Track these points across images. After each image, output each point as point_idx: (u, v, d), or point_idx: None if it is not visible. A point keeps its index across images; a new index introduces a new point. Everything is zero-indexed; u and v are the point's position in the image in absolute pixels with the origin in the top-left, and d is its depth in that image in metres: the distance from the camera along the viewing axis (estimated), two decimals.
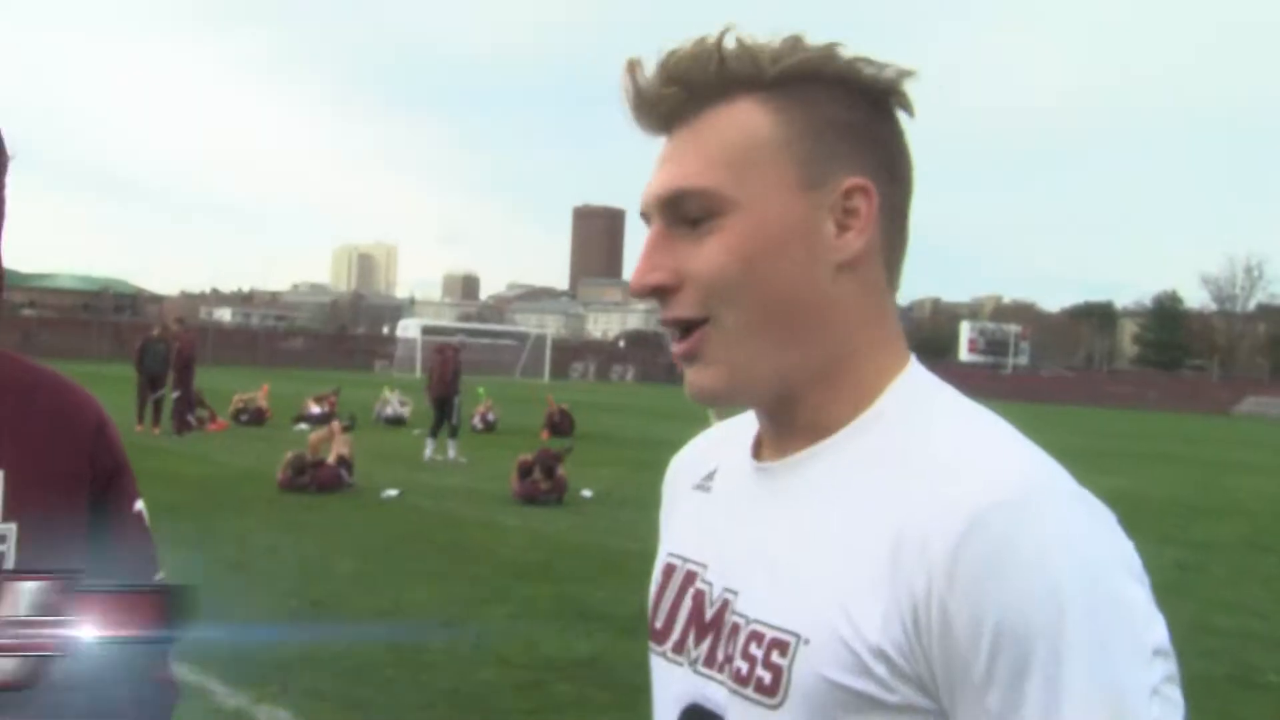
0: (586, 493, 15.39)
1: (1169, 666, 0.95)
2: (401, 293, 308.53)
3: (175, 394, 21.92)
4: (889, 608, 0.98)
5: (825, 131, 1.11)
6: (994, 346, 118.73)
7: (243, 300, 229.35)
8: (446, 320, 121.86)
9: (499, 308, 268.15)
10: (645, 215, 1.17)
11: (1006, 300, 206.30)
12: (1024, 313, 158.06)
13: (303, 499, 13.89)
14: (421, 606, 8.65)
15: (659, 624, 1.24)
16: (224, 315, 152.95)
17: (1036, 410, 47.57)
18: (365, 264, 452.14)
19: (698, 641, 1.17)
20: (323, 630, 7.87)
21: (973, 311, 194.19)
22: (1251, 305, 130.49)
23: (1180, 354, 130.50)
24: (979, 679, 0.94)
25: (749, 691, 1.07)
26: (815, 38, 1.12)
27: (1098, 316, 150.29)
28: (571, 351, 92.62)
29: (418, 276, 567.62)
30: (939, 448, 1.05)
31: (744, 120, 1.11)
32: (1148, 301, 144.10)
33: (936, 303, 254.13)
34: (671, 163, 1.14)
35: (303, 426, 22.99)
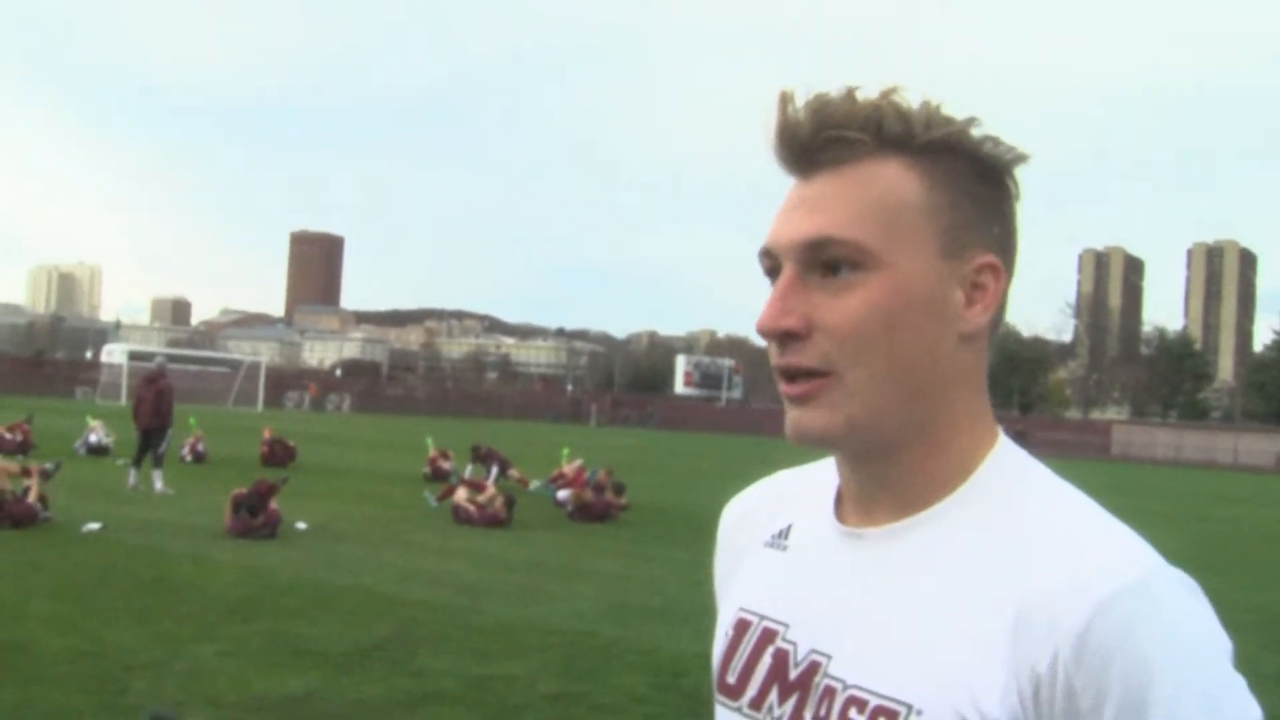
0: (301, 525, 15.02)
1: None
2: (106, 316, 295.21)
3: None
4: (1009, 681, 1.02)
5: (964, 203, 1.13)
6: (709, 380, 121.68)
7: None
8: (155, 346, 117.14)
9: (211, 334, 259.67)
10: (770, 255, 1.16)
11: (721, 335, 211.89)
12: (737, 347, 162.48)
13: None
14: (124, 646, 8.27)
15: (732, 679, 1.22)
16: None
17: (751, 442, 48.97)
18: (66, 285, 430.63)
19: (781, 700, 1.16)
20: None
21: (688, 345, 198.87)
22: None
23: None
24: None
25: None
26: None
27: None
28: (287, 380, 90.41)
29: (124, 300, 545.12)
30: (1050, 526, 1.08)
31: (895, 181, 1.12)
32: None
33: (653, 336, 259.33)
34: (819, 209, 1.12)
35: None
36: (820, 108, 1.13)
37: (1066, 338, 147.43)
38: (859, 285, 1.11)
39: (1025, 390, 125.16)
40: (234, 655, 8.19)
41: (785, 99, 1.14)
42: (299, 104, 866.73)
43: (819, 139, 1.13)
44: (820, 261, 1.12)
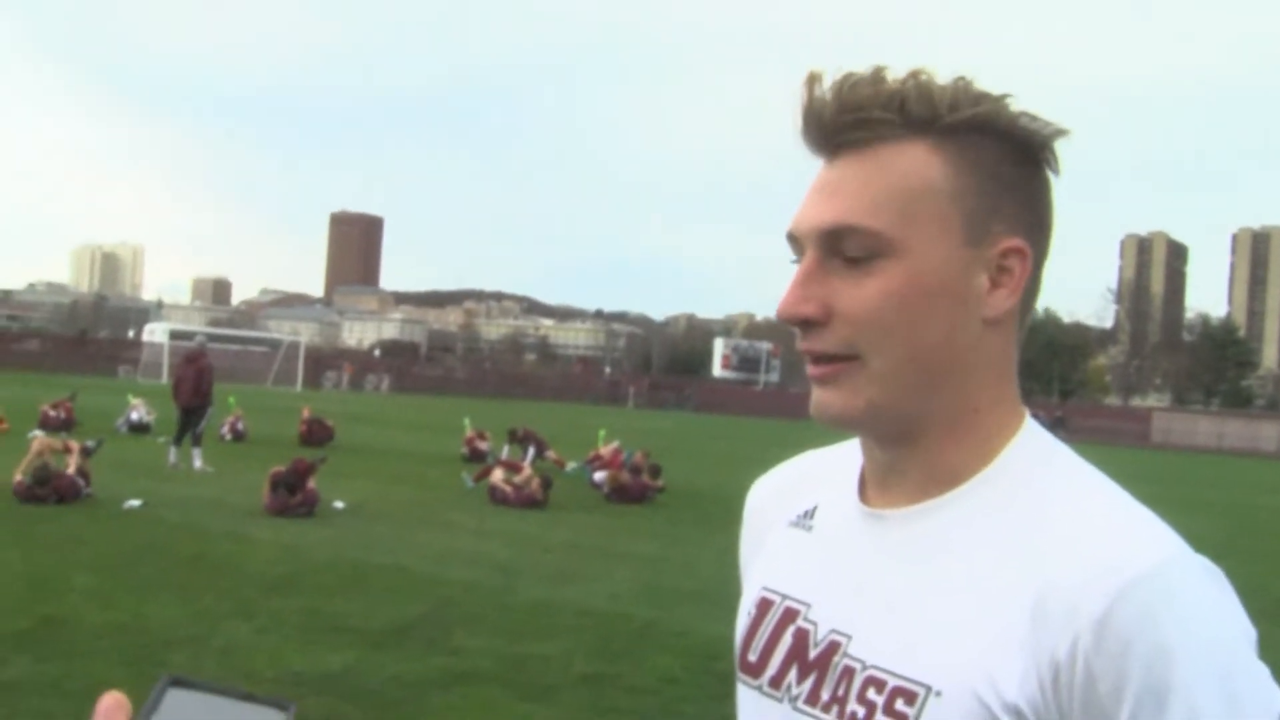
0: (339, 504, 15.12)
1: None
2: (148, 295, 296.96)
3: None
4: (1028, 666, 1.02)
5: (991, 186, 1.12)
6: (747, 363, 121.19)
7: None
8: (196, 325, 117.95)
9: (251, 313, 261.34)
10: (794, 239, 1.16)
11: (759, 318, 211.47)
12: (776, 330, 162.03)
13: (37, 510, 13.24)
14: (163, 621, 8.35)
15: (753, 658, 1.23)
16: None
17: (788, 426, 48.87)
18: (109, 264, 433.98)
19: (800, 679, 1.17)
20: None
21: (726, 328, 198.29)
22: None
23: None
24: None
25: None
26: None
27: None
28: (326, 360, 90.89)
29: (166, 279, 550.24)
30: (1072, 511, 1.08)
31: (917, 165, 1.11)
32: None
33: (691, 319, 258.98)
34: (838, 194, 1.12)
35: (38, 433, 21.91)
36: (845, 90, 1.12)
37: (1108, 324, 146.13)
38: (877, 272, 1.10)
39: (1065, 376, 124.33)
40: (271, 632, 8.27)
41: (812, 80, 1.13)
42: (339, 86, 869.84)
43: (842, 122, 1.12)
44: (840, 248, 1.12)
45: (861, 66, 1.13)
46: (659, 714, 7.01)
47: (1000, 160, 1.12)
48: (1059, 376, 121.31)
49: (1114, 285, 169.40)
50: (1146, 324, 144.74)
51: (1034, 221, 1.15)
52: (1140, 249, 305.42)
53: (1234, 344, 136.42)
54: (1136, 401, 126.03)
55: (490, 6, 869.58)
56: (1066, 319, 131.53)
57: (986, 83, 1.13)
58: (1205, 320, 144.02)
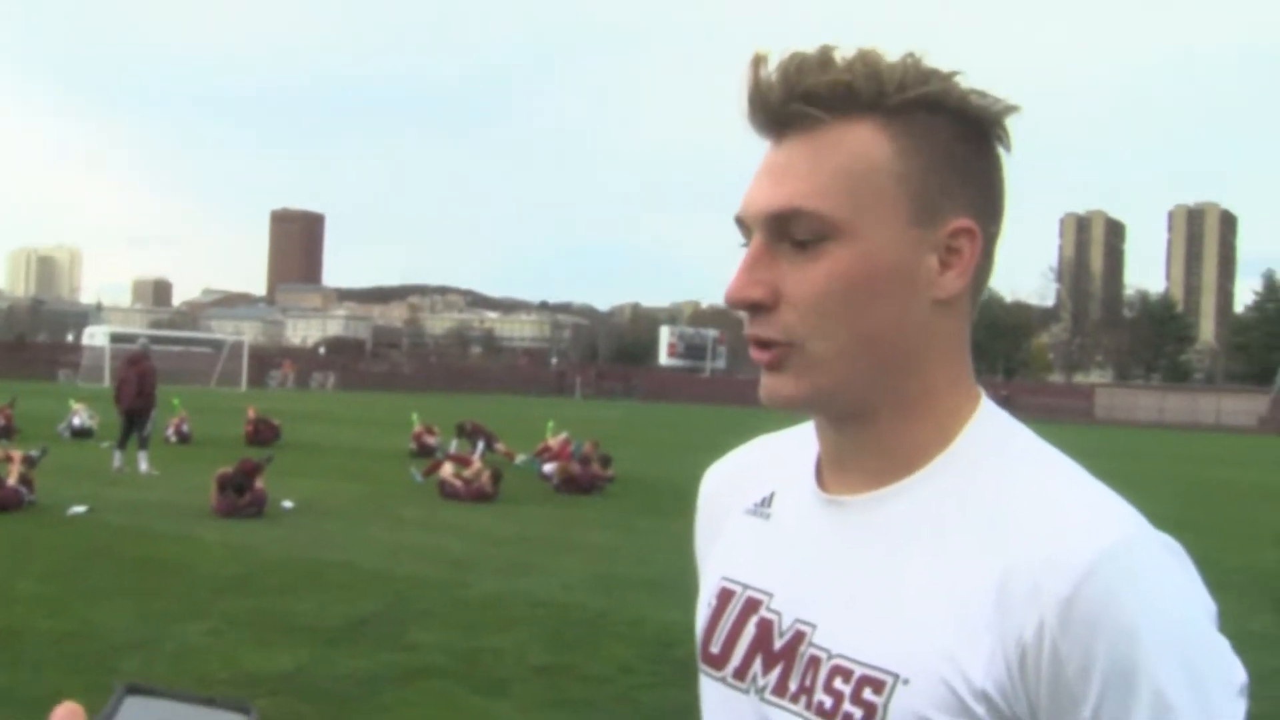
0: (287, 504, 15.02)
1: (1245, 705, 1.02)
2: (87, 298, 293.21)
3: None
4: (994, 650, 1.01)
5: (940, 166, 1.10)
6: (693, 351, 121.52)
7: None
8: (137, 327, 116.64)
9: (193, 314, 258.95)
10: (742, 223, 1.14)
11: (704, 305, 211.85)
12: (721, 317, 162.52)
13: None
14: (112, 627, 8.27)
15: (716, 649, 1.21)
16: None
17: (736, 412, 48.99)
18: (46, 268, 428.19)
19: (765, 670, 1.15)
20: None
21: (672, 316, 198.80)
22: None
23: None
24: (1089, 715, 0.99)
25: None
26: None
27: None
28: (270, 359, 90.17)
29: (105, 281, 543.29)
30: (1032, 491, 1.07)
31: (865, 146, 1.09)
32: None
33: (636, 308, 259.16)
34: (785, 177, 1.10)
35: None
36: (791, 71, 1.10)
37: (1049, 302, 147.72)
38: (825, 255, 1.09)
39: (1009, 355, 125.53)
40: (223, 633, 8.20)
41: (757, 61, 1.11)
42: (276, 82, 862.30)
43: (789, 104, 1.10)
44: (787, 232, 1.10)
45: (808, 46, 1.11)
46: (615, 703, 7.02)
47: (950, 139, 1.11)
48: (1003, 355, 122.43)
49: (1055, 264, 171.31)
50: (1087, 302, 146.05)
51: (984, 200, 1.13)
52: (1079, 227, 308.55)
53: (1172, 319, 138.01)
54: (1079, 378, 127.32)
55: (420, 2, 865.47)
56: (1009, 298, 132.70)
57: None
58: (1144, 297, 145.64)
